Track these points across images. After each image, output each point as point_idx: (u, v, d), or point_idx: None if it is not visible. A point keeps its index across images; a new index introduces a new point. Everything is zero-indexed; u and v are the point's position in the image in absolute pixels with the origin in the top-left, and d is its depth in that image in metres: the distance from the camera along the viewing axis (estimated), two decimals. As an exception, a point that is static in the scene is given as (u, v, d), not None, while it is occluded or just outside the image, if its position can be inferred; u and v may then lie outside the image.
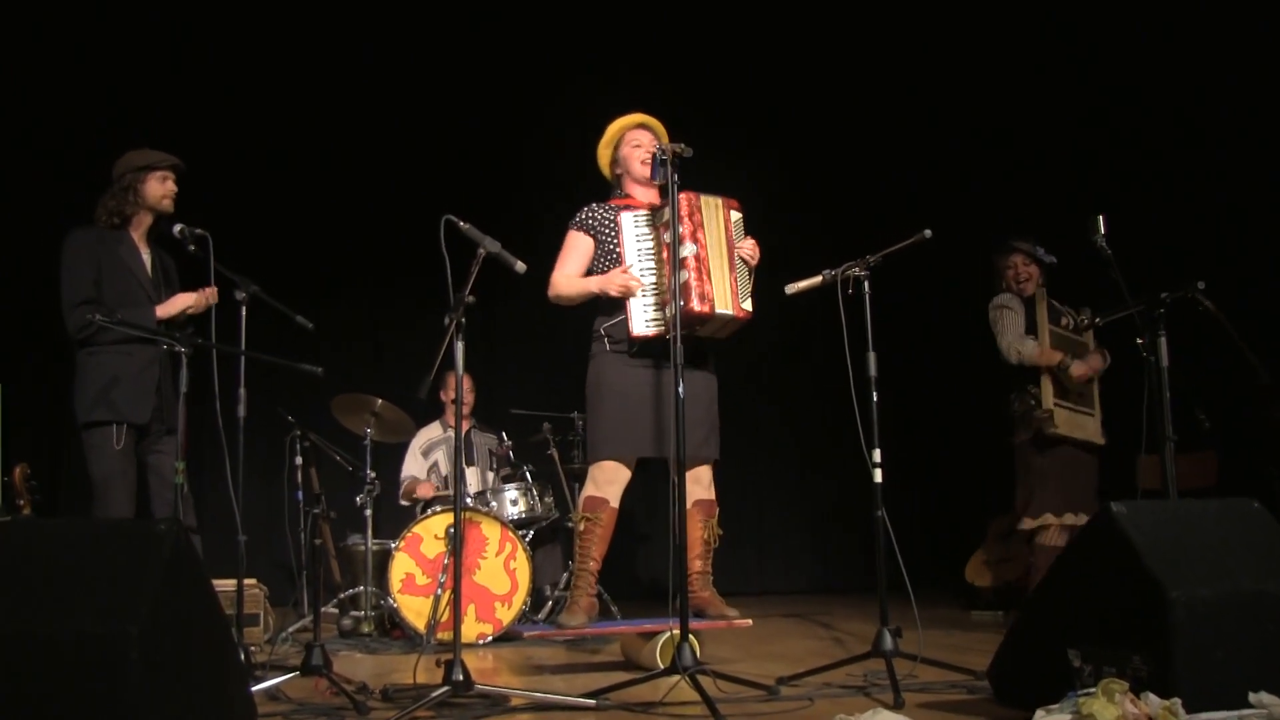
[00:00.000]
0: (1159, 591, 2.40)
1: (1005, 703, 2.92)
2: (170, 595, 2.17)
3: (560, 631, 3.93)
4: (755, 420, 8.16)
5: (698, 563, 4.00)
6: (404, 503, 6.10)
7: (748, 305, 3.90)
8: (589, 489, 3.96)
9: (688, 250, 3.73)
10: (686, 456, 3.85)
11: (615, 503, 3.95)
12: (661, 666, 3.49)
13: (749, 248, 3.98)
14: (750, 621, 3.93)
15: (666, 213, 3.82)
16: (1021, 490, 5.20)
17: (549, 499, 5.67)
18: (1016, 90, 7.43)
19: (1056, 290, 5.29)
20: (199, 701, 2.24)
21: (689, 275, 3.71)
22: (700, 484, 4.02)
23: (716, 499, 4.10)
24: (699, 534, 4.00)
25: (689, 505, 3.97)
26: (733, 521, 8.16)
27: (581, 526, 3.95)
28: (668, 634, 3.65)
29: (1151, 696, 2.26)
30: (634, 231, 3.94)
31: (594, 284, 3.96)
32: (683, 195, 3.73)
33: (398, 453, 6.19)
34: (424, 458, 6.11)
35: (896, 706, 2.91)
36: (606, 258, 3.99)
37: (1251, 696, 2.31)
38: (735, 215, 4.01)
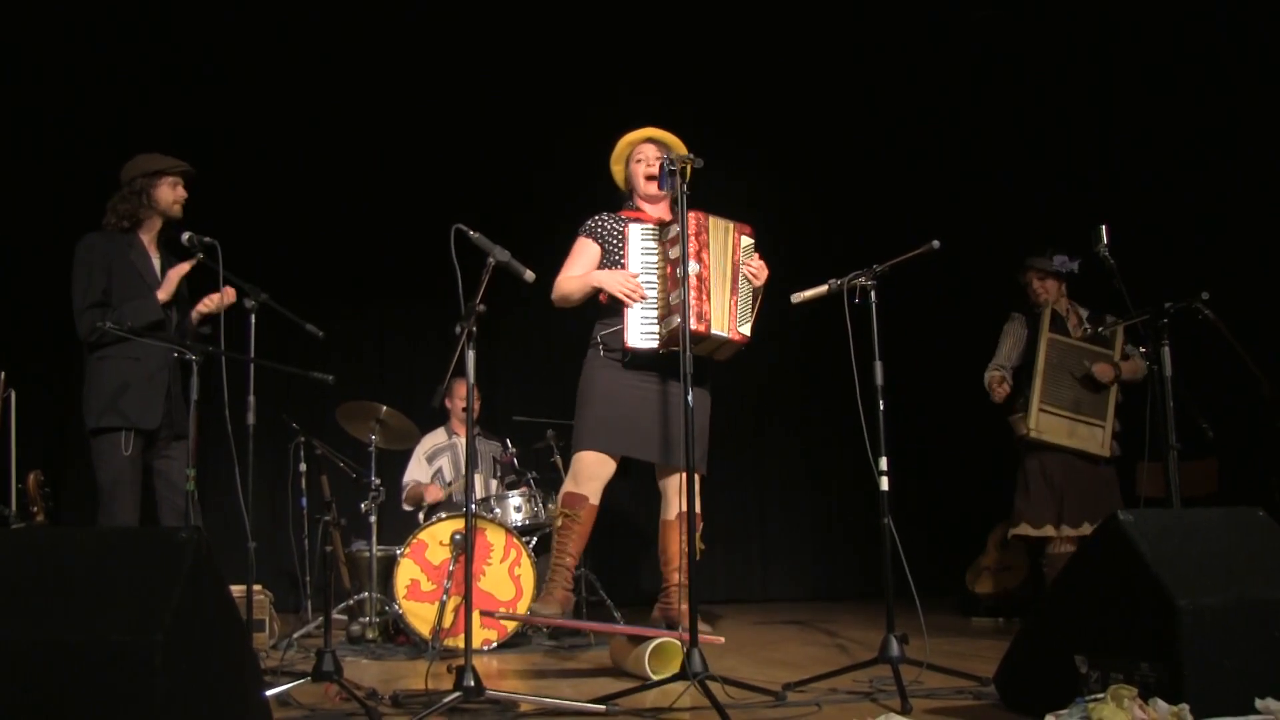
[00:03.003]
0: (1166, 599, 2.43)
1: (1012, 709, 2.94)
2: (192, 603, 2.19)
3: (533, 619, 3.95)
4: (758, 428, 8.20)
5: (676, 575, 4.03)
6: (407, 507, 6.11)
7: (745, 329, 3.94)
8: (569, 485, 3.99)
9: (691, 269, 3.77)
10: (668, 464, 3.90)
11: (595, 500, 3.98)
12: (649, 672, 3.54)
13: (755, 267, 4.01)
14: (722, 639, 3.95)
15: (674, 229, 3.86)
16: (1024, 493, 5.27)
17: (552, 506, 5.68)
18: (1025, 98, 7.48)
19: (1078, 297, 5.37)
20: (219, 707, 2.26)
21: (689, 293, 3.74)
22: (684, 495, 4.05)
23: (708, 510, 4.13)
24: (679, 546, 4.02)
25: (671, 517, 4.02)
26: (736, 528, 8.20)
27: (559, 522, 3.98)
28: (656, 641, 3.68)
29: (1160, 702, 2.28)
30: (640, 245, 3.98)
31: (597, 278, 3.98)
32: (693, 214, 3.77)
33: (403, 460, 6.22)
34: (428, 463, 6.13)
35: (905, 712, 2.94)
36: (612, 267, 4.03)
37: (1258, 703, 2.34)
38: (746, 240, 4.06)
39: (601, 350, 4.01)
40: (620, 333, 3.91)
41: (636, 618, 5.53)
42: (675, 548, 4.02)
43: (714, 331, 3.80)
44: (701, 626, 3.88)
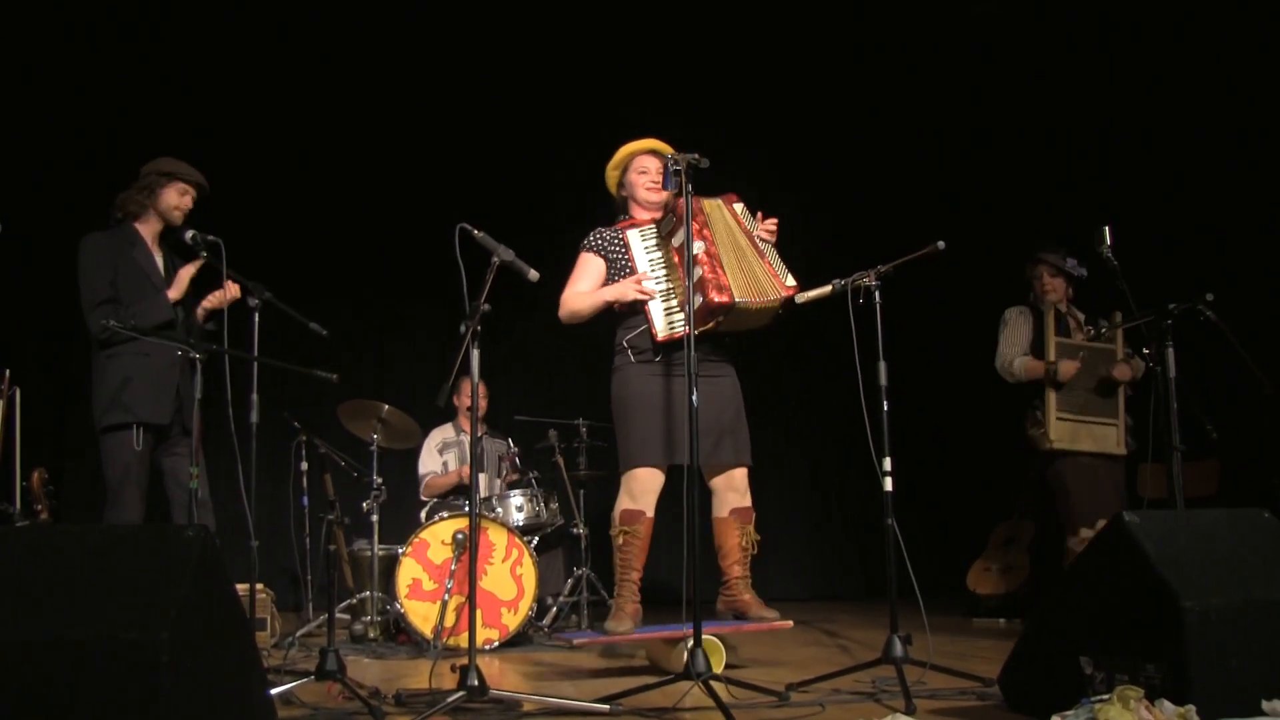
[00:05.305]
0: (1172, 600, 2.43)
1: (1016, 709, 2.94)
2: (198, 600, 2.19)
3: (609, 638, 3.95)
4: (759, 426, 8.16)
5: (736, 568, 4.03)
6: (426, 498, 6.11)
7: (790, 281, 3.90)
8: (624, 501, 3.97)
9: (696, 248, 3.75)
10: (711, 460, 3.90)
11: (651, 513, 3.97)
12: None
13: (767, 229, 4.01)
14: (790, 623, 3.96)
15: (670, 219, 3.86)
16: (1060, 506, 5.23)
17: (554, 505, 5.69)
18: (1029, 98, 7.48)
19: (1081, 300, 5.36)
20: (224, 705, 2.27)
21: (702, 270, 3.73)
22: (735, 490, 4.04)
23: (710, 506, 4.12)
24: (736, 541, 4.03)
25: (725, 513, 4.02)
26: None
27: (620, 540, 3.96)
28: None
29: (1166, 704, 2.28)
30: (642, 245, 3.98)
31: (609, 293, 3.99)
32: (678, 200, 3.76)
33: (404, 459, 6.21)
34: (439, 454, 6.14)
35: (909, 713, 2.93)
36: (619, 276, 4.04)
37: (1265, 705, 2.34)
38: (739, 206, 4.05)
39: (631, 355, 3.99)
40: (645, 333, 3.90)
41: (657, 615, 5.52)
42: (732, 542, 4.02)
43: (739, 299, 3.77)
44: (767, 614, 3.91)
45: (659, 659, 4.04)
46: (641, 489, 3.94)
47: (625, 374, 4.00)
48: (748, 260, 3.88)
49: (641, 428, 3.92)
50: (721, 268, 3.79)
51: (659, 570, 7.68)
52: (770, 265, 3.90)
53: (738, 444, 4.01)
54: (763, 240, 3.97)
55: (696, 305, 3.64)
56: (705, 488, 4.08)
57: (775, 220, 4.06)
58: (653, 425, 3.91)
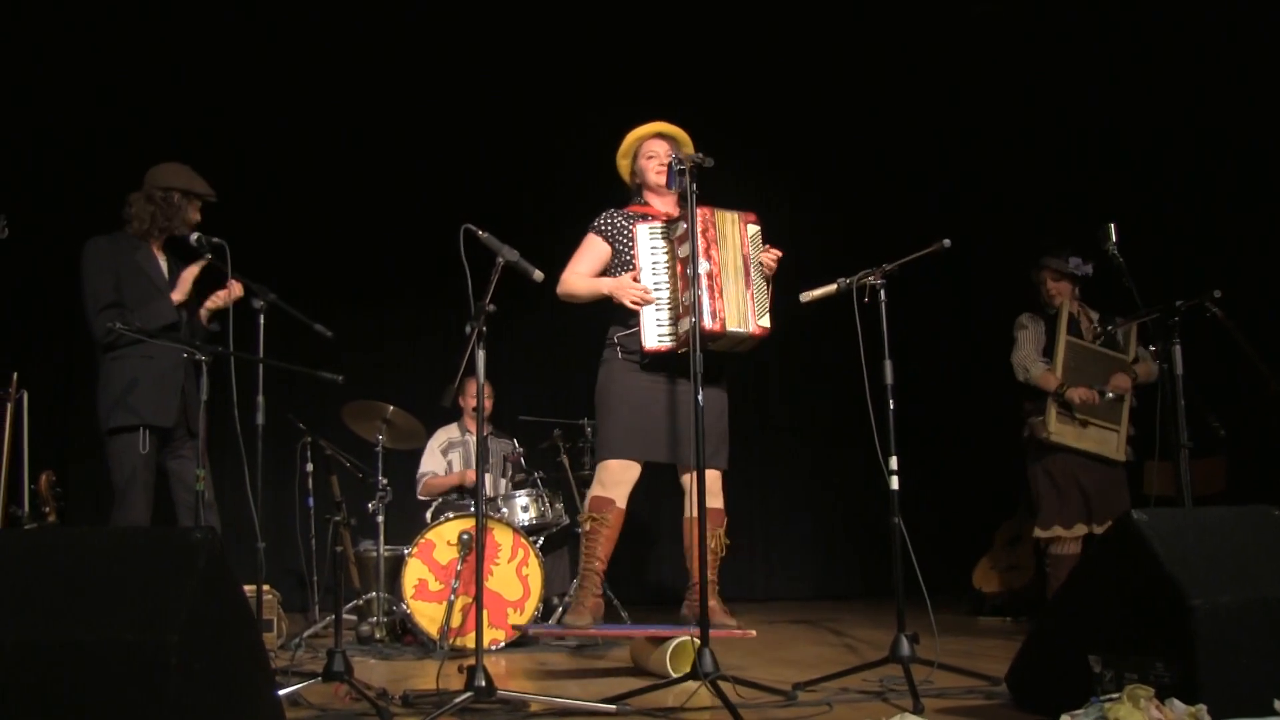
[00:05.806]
0: (1181, 598, 2.42)
1: (1024, 708, 2.94)
2: (206, 603, 2.19)
3: (567, 631, 3.95)
4: (762, 427, 8.19)
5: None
6: (423, 497, 6.11)
7: (765, 322, 3.91)
8: (595, 489, 3.99)
9: (701, 267, 3.75)
10: (688, 460, 3.90)
11: (622, 503, 3.98)
12: (671, 672, 3.53)
13: (769, 260, 3.99)
14: (754, 632, 3.95)
15: (681, 226, 3.84)
16: (1034, 498, 5.24)
17: (559, 505, 5.69)
18: (1035, 96, 7.47)
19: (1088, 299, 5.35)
20: (232, 706, 2.26)
21: (702, 292, 3.72)
22: (709, 492, 4.04)
23: (725, 506, 4.12)
24: (706, 543, 4.02)
25: (696, 513, 4.01)
26: (740, 528, 8.18)
27: (588, 527, 3.98)
28: (677, 640, 3.68)
29: (1176, 702, 2.28)
30: (649, 244, 3.96)
31: (606, 286, 3.99)
32: (700, 210, 3.74)
33: (410, 459, 6.21)
34: (443, 455, 6.14)
35: (917, 712, 2.93)
36: (622, 266, 4.02)
37: (1277, 703, 2.34)
38: (753, 229, 4.02)
39: (619, 353, 4.00)
40: (637, 335, 3.90)
41: (642, 616, 5.53)
42: None
43: (730, 329, 3.78)
44: (729, 621, 3.90)
45: (640, 659, 4.03)
46: (613, 479, 3.97)
47: (611, 368, 4.02)
48: (741, 287, 3.87)
49: (620, 421, 3.95)
50: (720, 293, 3.79)
51: (660, 569, 7.74)
52: (754, 298, 3.90)
53: (716, 450, 4.01)
54: (760, 270, 3.96)
55: (688, 327, 3.65)
56: (677, 485, 4.10)
57: (778, 254, 4.04)
58: (631, 420, 3.93)
